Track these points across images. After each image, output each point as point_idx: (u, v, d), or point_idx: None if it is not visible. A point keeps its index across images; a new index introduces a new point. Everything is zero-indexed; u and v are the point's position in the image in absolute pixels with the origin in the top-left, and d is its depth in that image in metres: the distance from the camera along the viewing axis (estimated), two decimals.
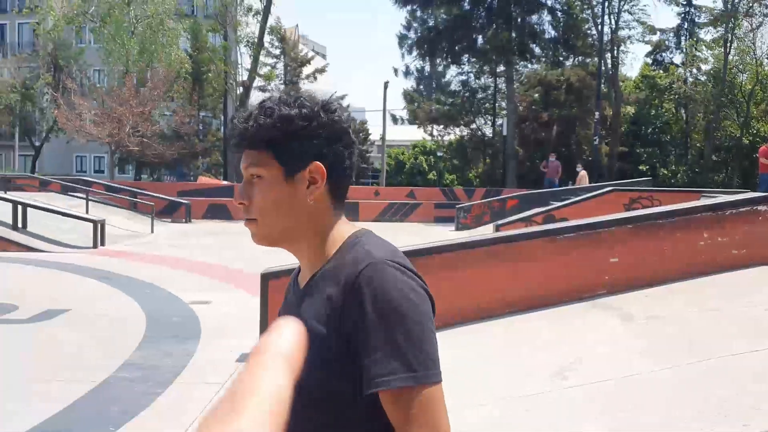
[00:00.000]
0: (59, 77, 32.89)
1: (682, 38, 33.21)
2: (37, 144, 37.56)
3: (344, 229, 1.23)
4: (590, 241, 6.41)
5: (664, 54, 34.34)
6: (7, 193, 17.27)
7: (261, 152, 1.19)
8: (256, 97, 34.03)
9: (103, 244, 13.54)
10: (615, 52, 31.70)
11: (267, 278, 5.62)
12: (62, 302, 7.90)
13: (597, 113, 24.88)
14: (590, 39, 31.62)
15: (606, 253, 6.41)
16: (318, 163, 1.18)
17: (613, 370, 4.38)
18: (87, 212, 15.95)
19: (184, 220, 20.23)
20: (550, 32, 32.45)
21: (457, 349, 5.08)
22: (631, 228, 6.51)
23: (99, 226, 13.58)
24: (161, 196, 20.89)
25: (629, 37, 32.68)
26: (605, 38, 28.48)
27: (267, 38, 32.63)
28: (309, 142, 1.18)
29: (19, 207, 13.56)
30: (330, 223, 1.22)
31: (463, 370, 4.84)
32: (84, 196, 18.24)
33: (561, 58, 32.61)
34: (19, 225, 13.43)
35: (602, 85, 27.68)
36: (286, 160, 1.18)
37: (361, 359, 1.08)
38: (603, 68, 27.63)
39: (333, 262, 1.18)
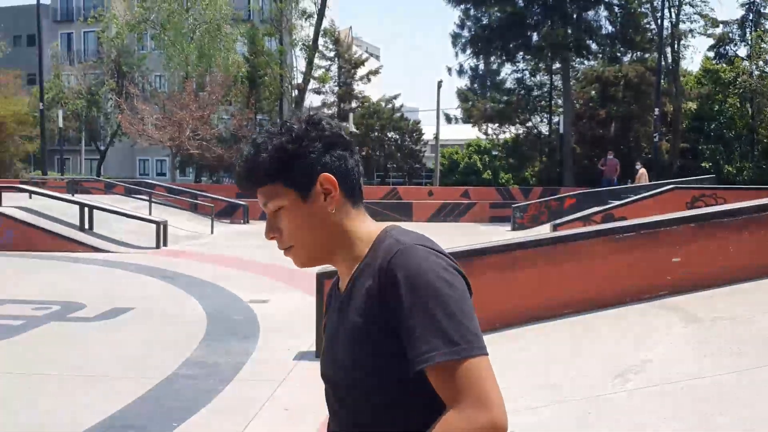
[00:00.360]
0: (123, 83, 34.00)
1: (747, 30, 31.97)
2: (102, 148, 38.91)
3: (371, 227, 1.27)
4: (651, 241, 6.24)
5: (727, 47, 33.14)
6: (75, 195, 17.94)
7: (271, 186, 1.24)
8: (311, 100, 34.48)
9: (165, 244, 13.92)
10: (675, 46, 30.77)
11: (322, 278, 5.69)
12: (127, 301, 8.16)
13: (657, 109, 24.20)
14: (649, 34, 30.77)
15: (668, 253, 6.23)
16: (325, 174, 1.23)
17: (679, 373, 4.26)
18: (150, 214, 16.43)
19: (242, 221, 20.61)
20: (608, 28, 31.72)
21: (515, 350, 5.03)
22: (695, 227, 6.32)
23: (162, 227, 13.97)
24: (220, 197, 21.33)
25: (690, 31, 31.65)
26: (665, 32, 27.69)
27: (321, 41, 32.93)
28: (309, 159, 1.23)
29: (86, 209, 14.06)
30: (356, 224, 1.26)
31: (523, 370, 4.79)
32: (147, 198, 18.80)
33: (619, 54, 31.82)
34: (86, 226, 13.92)
35: (662, 81, 26.91)
36: (296, 184, 1.23)
37: (403, 341, 1.12)
38: (663, 63, 26.87)
39: (367, 260, 1.22)
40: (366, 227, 1.26)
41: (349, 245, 1.25)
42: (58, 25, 46.64)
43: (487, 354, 1.11)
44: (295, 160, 1.23)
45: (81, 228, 13.83)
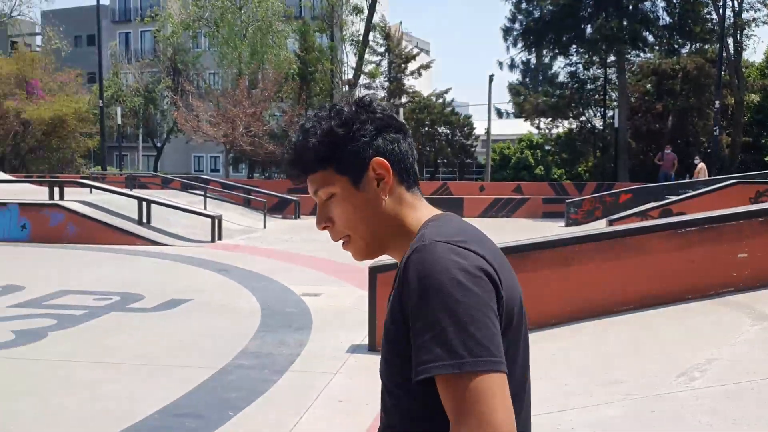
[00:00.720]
0: (178, 81, 34.76)
1: None
2: (159, 144, 39.88)
3: (423, 215, 1.20)
4: (715, 236, 6.03)
5: None
6: (133, 190, 18.42)
7: (321, 173, 1.19)
8: (361, 95, 34.44)
9: (220, 238, 14.16)
10: (738, 36, 29.70)
11: (375, 271, 5.67)
12: (184, 292, 8.32)
13: (717, 102, 23.42)
14: (709, 24, 29.78)
15: (733, 249, 6.01)
16: (378, 158, 1.17)
17: (749, 373, 4.09)
18: (205, 208, 16.73)
19: (293, 216, 20.81)
20: (665, 18, 30.81)
21: (573, 346, 4.92)
22: (762, 221, 6.07)
23: (216, 221, 14.22)
24: (272, 193, 21.58)
25: (754, 20, 30.49)
26: (727, 22, 26.74)
27: (371, 36, 32.99)
28: (360, 143, 1.17)
29: (144, 203, 14.40)
30: (408, 212, 1.20)
31: (581, 367, 4.68)
32: (202, 193, 19.18)
33: (677, 46, 30.91)
34: (144, 220, 14.26)
35: (723, 73, 26.02)
36: (347, 169, 1.17)
37: (412, 344, 1.04)
38: (724, 54, 25.96)
39: (407, 252, 1.14)
40: (417, 215, 1.20)
41: (402, 234, 1.19)
42: (116, 25, 47.96)
43: (500, 371, 0.99)
44: (345, 144, 1.17)
45: (139, 222, 14.17)
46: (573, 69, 32.47)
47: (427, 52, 48.94)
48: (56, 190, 14.30)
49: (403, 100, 34.53)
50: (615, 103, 30.98)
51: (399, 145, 1.19)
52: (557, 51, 31.42)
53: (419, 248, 1.07)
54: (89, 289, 8.49)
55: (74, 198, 14.43)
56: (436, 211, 1.21)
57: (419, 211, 1.20)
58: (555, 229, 15.52)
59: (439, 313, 1.00)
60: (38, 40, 48.60)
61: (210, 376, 5.11)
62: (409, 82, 34.91)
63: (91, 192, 15.93)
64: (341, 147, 1.17)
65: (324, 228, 1.21)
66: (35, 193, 15.60)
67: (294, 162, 1.20)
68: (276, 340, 6.16)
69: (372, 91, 34.44)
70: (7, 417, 4.30)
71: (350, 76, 32.38)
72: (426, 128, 34.20)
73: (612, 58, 30.47)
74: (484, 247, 1.10)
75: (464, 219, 1.21)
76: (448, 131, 35.02)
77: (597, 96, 32.44)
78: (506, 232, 13.76)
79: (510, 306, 1.08)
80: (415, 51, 36.64)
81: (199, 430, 4.08)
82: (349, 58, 33.31)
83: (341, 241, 1.23)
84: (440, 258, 1.04)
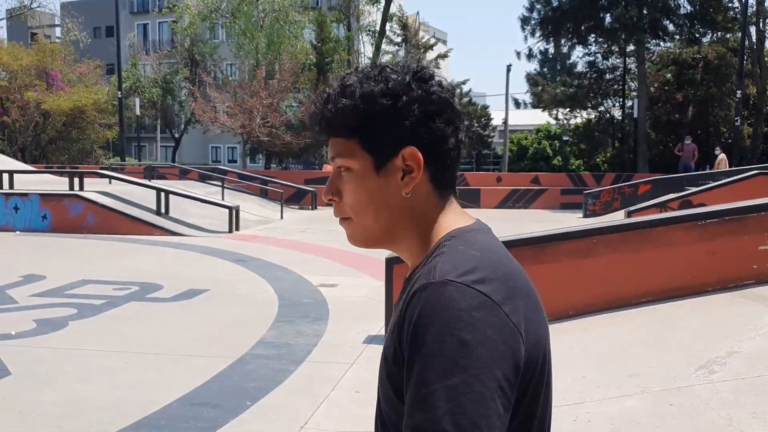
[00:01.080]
0: (196, 71, 34.87)
1: None
2: (177, 135, 40.11)
3: (446, 223, 1.01)
4: (737, 227, 5.95)
5: None
6: (152, 181, 18.56)
7: (346, 140, 1.01)
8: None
9: (237, 228, 14.23)
10: (761, 25, 29.22)
11: (391, 263, 5.67)
12: (202, 283, 8.38)
13: (739, 92, 23.07)
14: (731, 12, 29.33)
15: (754, 240, 5.94)
16: (413, 147, 0.98)
17: None
18: (222, 199, 16.82)
19: (310, 206, 20.85)
20: (686, 7, 30.36)
21: (592, 338, 4.90)
22: None
23: (234, 212, 14.29)
24: (289, 183, 21.63)
25: None
26: (749, 10, 26.31)
27: (388, 26, 32.87)
28: (400, 123, 0.98)
29: (162, 194, 14.50)
30: (433, 217, 1.02)
31: (600, 359, 4.66)
32: (220, 183, 19.28)
33: (698, 35, 30.48)
34: (162, 211, 14.37)
35: (745, 62, 25.62)
36: (374, 148, 0.99)
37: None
38: (746, 43, 25.55)
39: (419, 266, 0.99)
40: (441, 222, 1.02)
41: (415, 237, 1.02)
42: (135, 16, 48.25)
43: None
44: (383, 119, 0.98)
45: (158, 212, 14.28)
46: (592, 59, 32.17)
47: (444, 42, 48.71)
48: (76, 180, 14.44)
49: None
50: (634, 93, 30.66)
51: (445, 139, 1.00)
52: (576, 40, 31.12)
53: (427, 286, 0.89)
54: (109, 279, 8.58)
55: (94, 188, 14.57)
56: (463, 221, 1.03)
57: (444, 219, 1.02)
58: (573, 221, 15.43)
59: (431, 374, 0.84)
60: (58, 31, 49.00)
61: (228, 366, 5.15)
62: None
63: (110, 182, 16.08)
64: (376, 121, 0.98)
65: (330, 200, 1.05)
66: (56, 184, 15.78)
67: (319, 119, 1.03)
68: (293, 331, 6.19)
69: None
70: (29, 405, 4.36)
71: None
72: None
73: (631, 47, 30.12)
74: (508, 282, 0.92)
75: (492, 235, 1.04)
76: (465, 122, 34.87)
77: (616, 86, 32.12)
78: (524, 223, 13.70)
79: (533, 359, 0.91)
80: (432, 41, 36.47)
81: (218, 419, 4.12)
82: (366, 49, 33.24)
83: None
84: (446, 306, 0.86)
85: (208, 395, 4.56)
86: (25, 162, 27.72)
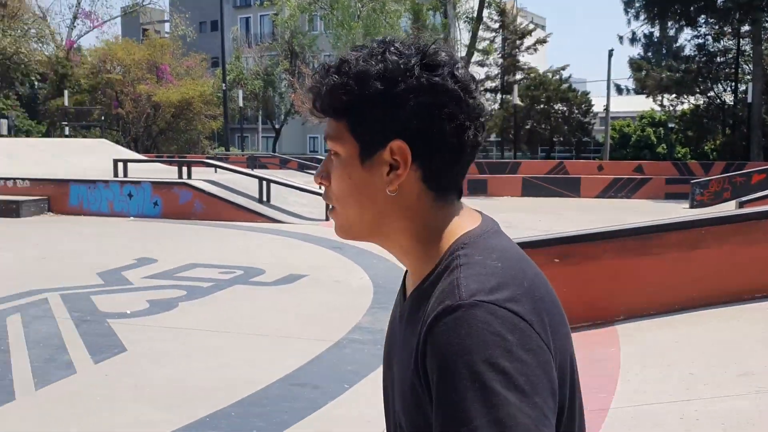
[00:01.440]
0: (295, 63, 35.75)
1: None
2: (277, 126, 41.30)
3: (451, 226, 0.91)
4: None
5: None
6: (254, 170, 19.21)
7: (334, 122, 0.91)
8: (475, 73, 33.98)
9: None
10: None
11: None
12: (301, 268, 8.63)
13: None
14: None
15: None
16: (401, 141, 0.87)
17: None
18: (320, 188, 17.18)
19: None
20: None
21: (700, 333, 4.69)
22: None
23: None
24: None
25: None
26: None
27: (486, 12, 32.40)
28: (393, 112, 0.86)
29: (264, 183, 14.99)
30: (431, 220, 0.91)
31: (709, 356, 4.46)
32: None
33: None
34: (264, 199, 14.86)
35: None
36: (362, 135, 0.89)
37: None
38: None
39: (433, 278, 0.88)
40: (448, 223, 0.91)
41: (412, 241, 0.92)
42: (238, 10, 49.94)
43: None
44: (374, 103, 0.87)
45: (260, 200, 14.78)
46: (701, 41, 30.48)
47: (543, 28, 47.51)
48: (184, 169, 15.16)
49: (518, 76, 33.80)
50: (749, 77, 28.82)
51: (443, 136, 0.87)
52: (684, 22, 29.55)
53: (455, 308, 0.79)
54: (215, 263, 8.98)
55: (201, 177, 15.25)
56: (469, 222, 0.92)
57: (446, 221, 0.91)
58: (679, 211, 14.76)
59: (472, 408, 0.75)
60: (167, 26, 51.48)
61: (326, 349, 5.29)
62: (524, 58, 34.08)
63: (215, 171, 16.77)
64: (367, 105, 0.87)
65: (319, 184, 0.97)
66: (165, 172, 16.63)
67: (315, 93, 0.92)
68: (387, 317, 6.26)
69: (485, 68, 33.80)
70: (141, 380, 4.66)
71: (463, 54, 32.02)
72: (541, 105, 33.32)
73: (746, 27, 28.28)
74: (533, 295, 0.84)
75: (504, 235, 0.94)
76: (565, 108, 33.93)
77: (728, 69, 30.29)
78: (627, 213, 13.23)
79: (563, 375, 0.85)
80: (531, 27, 35.67)
81: (317, 400, 4.25)
82: (463, 36, 32.92)
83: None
84: (480, 331, 0.77)
85: (307, 376, 4.71)
86: (137, 152, 29.39)
